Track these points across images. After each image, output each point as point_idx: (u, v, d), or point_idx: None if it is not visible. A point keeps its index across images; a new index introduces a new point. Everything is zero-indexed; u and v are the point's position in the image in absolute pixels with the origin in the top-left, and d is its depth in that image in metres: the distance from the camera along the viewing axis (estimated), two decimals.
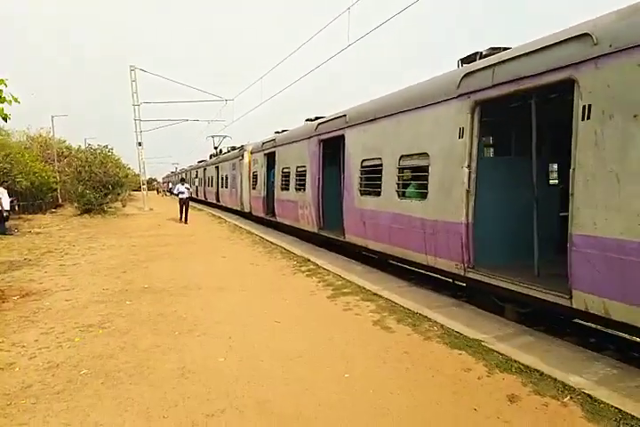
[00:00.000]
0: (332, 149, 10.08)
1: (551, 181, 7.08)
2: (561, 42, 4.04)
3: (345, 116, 8.67)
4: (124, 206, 29.75)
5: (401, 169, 6.77)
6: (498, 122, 5.79)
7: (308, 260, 9.04)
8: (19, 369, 4.04)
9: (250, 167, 17.09)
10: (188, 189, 18.88)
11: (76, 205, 24.32)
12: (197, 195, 33.62)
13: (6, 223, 15.66)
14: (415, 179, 6.64)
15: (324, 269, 8.13)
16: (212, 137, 32.86)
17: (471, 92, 5.27)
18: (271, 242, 11.96)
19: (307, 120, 12.32)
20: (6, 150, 20.68)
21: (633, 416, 2.90)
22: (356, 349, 4.37)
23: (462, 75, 5.45)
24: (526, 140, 6.32)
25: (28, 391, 3.58)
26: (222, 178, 23.14)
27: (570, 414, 3.02)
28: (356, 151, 8.18)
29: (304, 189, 11.04)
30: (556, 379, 3.44)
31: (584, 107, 3.78)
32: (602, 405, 3.08)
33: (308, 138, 10.72)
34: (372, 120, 7.61)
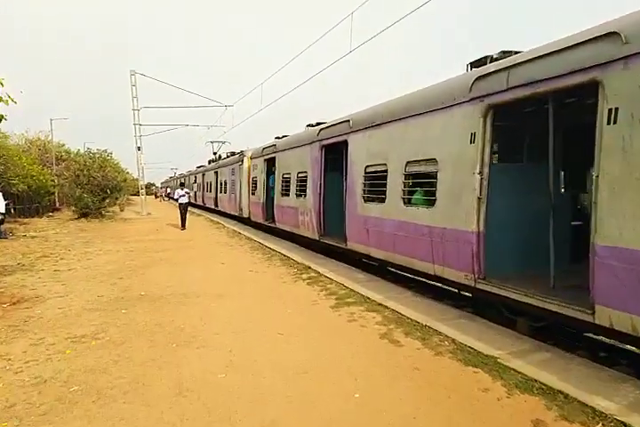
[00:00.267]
0: (334, 155, 9.89)
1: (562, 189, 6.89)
2: (584, 42, 3.85)
3: (348, 121, 8.49)
4: (121, 211, 29.53)
5: (407, 175, 6.56)
6: (509, 127, 5.60)
7: (309, 267, 8.80)
8: (2, 385, 3.78)
9: (249, 173, 16.90)
10: (188, 193, 18.56)
11: (73, 208, 24.09)
12: (196, 200, 33.37)
13: (1, 227, 15.39)
14: (422, 185, 6.43)
15: (326, 277, 7.90)
16: (212, 142, 32.76)
17: (484, 96, 5.09)
18: (270, 248, 11.73)
19: (308, 126, 12.15)
20: (2, 152, 20.42)
21: None
22: (364, 364, 4.13)
23: (474, 78, 5.27)
24: (538, 146, 6.16)
25: (11, 412, 3.32)
26: (221, 183, 22.93)
27: None
28: (360, 157, 7.98)
29: (305, 195, 10.83)
30: (583, 402, 3.20)
31: (610, 110, 3.58)
32: None
33: (310, 143, 10.53)
34: (377, 125, 7.42)
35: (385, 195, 7.05)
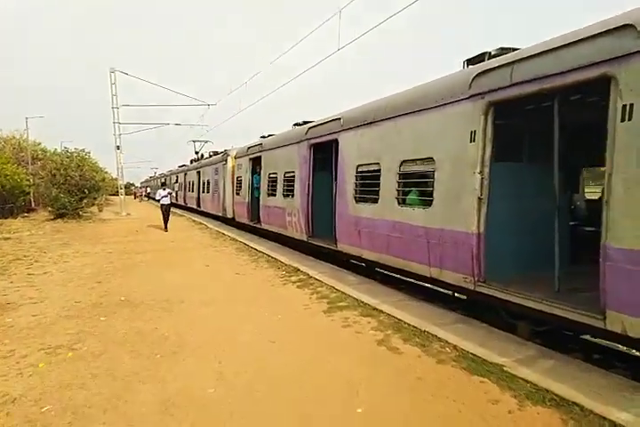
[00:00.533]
0: (324, 154, 9.64)
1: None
2: (597, 35, 3.68)
3: (339, 119, 8.24)
4: (100, 211, 28.70)
5: (402, 175, 6.34)
6: (508, 125, 5.44)
7: (298, 269, 8.52)
8: None
9: (234, 172, 16.52)
10: (170, 193, 17.88)
11: (49, 209, 23.25)
12: (177, 200, 32.71)
13: None
14: (418, 185, 6.22)
15: (316, 279, 7.63)
16: (194, 142, 32.13)
17: (485, 93, 4.89)
18: (256, 249, 11.40)
19: (294, 125, 11.87)
20: None
21: None
22: (364, 374, 3.87)
23: (475, 74, 5.08)
24: (538, 146, 6.01)
25: None
26: (204, 183, 22.45)
27: None
28: (352, 156, 7.74)
29: (292, 195, 10.55)
30: (600, 415, 3.00)
31: (624, 106, 3.41)
32: None
33: (298, 142, 10.25)
34: (369, 123, 7.19)
35: (378, 195, 6.82)
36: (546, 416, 3.09)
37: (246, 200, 14.47)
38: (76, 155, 23.81)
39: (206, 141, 32.16)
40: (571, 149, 5.85)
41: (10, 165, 24.84)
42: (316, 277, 7.76)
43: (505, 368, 3.85)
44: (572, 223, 5.93)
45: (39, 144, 41.69)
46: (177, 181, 34.11)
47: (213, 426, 3.07)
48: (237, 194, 15.68)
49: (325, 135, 8.84)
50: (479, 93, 4.98)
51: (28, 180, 28.83)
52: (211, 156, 22.90)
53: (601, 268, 3.72)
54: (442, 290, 7.09)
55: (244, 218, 15.01)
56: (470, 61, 5.80)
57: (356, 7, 11.11)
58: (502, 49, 5.37)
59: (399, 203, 6.35)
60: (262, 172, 12.93)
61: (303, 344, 4.66)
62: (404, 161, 6.23)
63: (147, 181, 73.75)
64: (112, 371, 4.04)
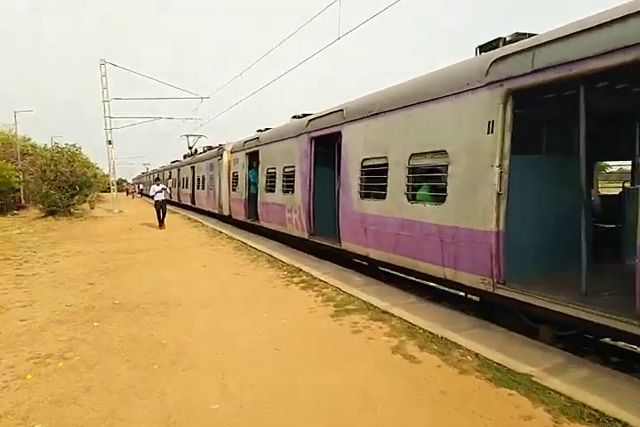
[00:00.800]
0: (326, 148, 9.30)
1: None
2: (630, 15, 3.36)
3: (342, 110, 7.89)
4: (92, 208, 28.20)
5: (411, 169, 6.01)
6: (526, 115, 5.12)
7: (300, 269, 8.19)
8: None
9: (230, 168, 16.10)
10: (165, 189, 17.34)
11: (40, 206, 22.71)
12: (171, 197, 32.20)
13: None
14: (429, 180, 5.90)
15: (320, 280, 7.30)
16: (187, 136, 31.57)
17: (504, 80, 4.57)
18: (255, 248, 11.04)
19: (293, 117, 11.50)
20: None
21: None
22: (381, 387, 3.56)
23: (492, 60, 4.75)
24: (558, 137, 5.71)
25: None
26: (198, 179, 22.00)
27: None
28: (356, 150, 7.41)
29: (292, 191, 10.19)
30: None
31: None
32: None
33: (298, 135, 9.89)
34: (375, 114, 6.85)
35: (385, 191, 6.50)
36: None
37: (243, 197, 14.09)
38: (66, 150, 23.24)
39: (200, 136, 31.61)
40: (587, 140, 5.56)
41: None
42: (320, 277, 7.43)
43: (534, 378, 3.56)
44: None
45: (29, 140, 40.93)
46: (170, 177, 33.55)
47: None
48: (234, 190, 15.29)
49: (327, 128, 8.50)
50: (497, 81, 4.66)
51: (18, 176, 28.21)
52: (205, 151, 22.45)
53: (637, 269, 3.43)
54: (449, 290, 6.85)
55: (241, 215, 14.64)
56: (483, 48, 5.49)
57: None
58: (518, 34, 5.05)
59: (409, 199, 6.04)
60: (260, 167, 12.55)
61: (311, 352, 4.35)
62: (414, 154, 5.91)
63: (139, 177, 72.95)
64: (107, 384, 3.71)
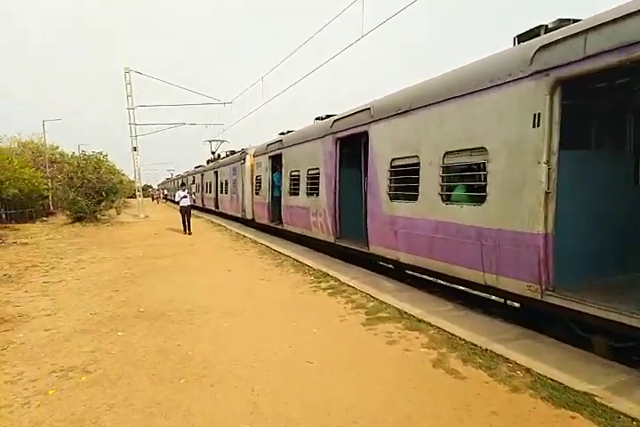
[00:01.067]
0: (351, 149, 9.02)
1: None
2: None
3: (369, 109, 7.59)
4: (118, 214, 28.57)
5: (445, 168, 5.67)
6: (575, 106, 4.72)
7: (327, 274, 7.90)
8: None
9: (252, 171, 15.98)
10: (190, 194, 17.23)
11: (67, 212, 23.10)
12: (195, 201, 32.43)
13: None
14: (466, 179, 5.55)
15: (349, 285, 7.00)
16: (210, 142, 31.75)
17: (551, 69, 4.20)
18: (280, 252, 10.81)
19: (316, 119, 11.26)
20: None
21: None
22: (425, 407, 3.24)
23: (537, 47, 4.37)
24: (607, 130, 5.27)
25: None
26: (221, 183, 22.00)
27: None
28: (385, 149, 7.09)
29: (317, 194, 9.94)
30: None
31: None
32: None
33: (322, 137, 9.63)
34: (405, 112, 6.52)
35: (417, 191, 6.16)
36: None
37: (266, 200, 13.91)
38: (93, 157, 23.61)
39: (222, 141, 31.75)
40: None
41: (28, 168, 24.79)
42: (349, 283, 7.13)
43: (597, 399, 3.18)
44: None
45: (57, 148, 41.96)
46: (194, 182, 33.81)
47: None
48: (257, 194, 15.14)
49: (353, 128, 8.21)
50: (544, 70, 4.29)
51: (46, 183, 28.85)
52: (228, 155, 22.45)
53: None
54: (480, 294, 6.49)
55: (264, 219, 14.47)
56: (522, 37, 5.12)
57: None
58: (561, 21, 4.67)
59: (443, 200, 5.69)
60: (283, 170, 12.34)
61: (345, 365, 4.05)
62: (449, 152, 5.56)
63: (163, 182, 74.08)
64: (131, 401, 3.49)
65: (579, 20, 4.33)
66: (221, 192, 22.25)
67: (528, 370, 3.70)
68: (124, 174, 44.87)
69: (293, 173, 11.55)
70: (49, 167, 33.74)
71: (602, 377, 3.51)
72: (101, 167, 23.48)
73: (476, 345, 4.28)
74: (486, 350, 4.16)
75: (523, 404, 3.22)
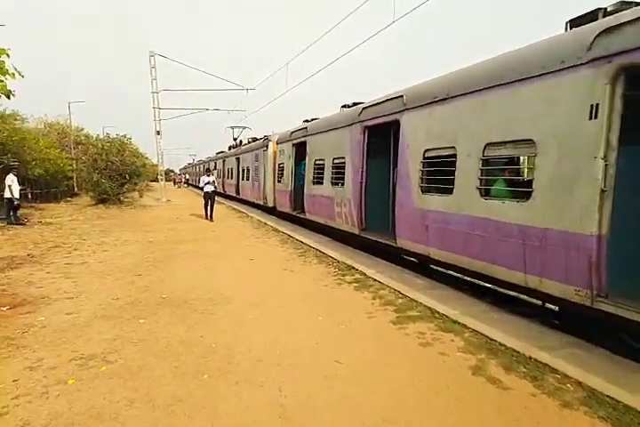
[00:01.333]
0: (379, 138, 8.69)
1: None
2: None
3: (402, 97, 7.22)
4: (140, 197, 28.78)
5: (486, 161, 5.32)
6: (636, 97, 4.30)
7: (352, 267, 7.66)
8: None
9: (275, 159, 15.75)
10: (214, 180, 16.92)
11: (91, 194, 23.34)
12: (216, 187, 32.43)
13: (17, 212, 14.68)
14: (509, 173, 5.20)
15: (375, 280, 6.75)
16: (232, 128, 31.62)
17: (614, 55, 3.81)
18: (302, 242, 10.61)
19: (343, 107, 10.93)
20: (19, 135, 19.64)
21: None
22: (468, 418, 2.99)
23: (598, 32, 3.98)
24: None
25: None
26: (243, 170, 21.85)
27: None
28: (417, 139, 6.75)
29: (342, 184, 9.65)
30: None
31: None
32: None
33: (350, 125, 9.30)
34: (441, 100, 6.16)
35: (453, 184, 5.83)
36: None
37: (289, 188, 13.69)
38: (117, 140, 23.71)
39: (244, 127, 31.59)
40: None
41: (53, 149, 25.05)
42: (374, 277, 6.87)
43: None
44: None
45: (82, 130, 42.41)
46: (215, 168, 33.81)
47: None
48: (279, 182, 14.92)
49: (383, 116, 7.86)
50: (605, 56, 3.90)
51: (71, 164, 29.18)
52: (250, 142, 22.26)
53: None
54: (507, 292, 6.19)
55: (285, 207, 14.26)
56: (576, 22, 4.71)
57: None
58: (623, 3, 4.25)
59: (482, 194, 5.35)
60: (307, 158, 12.07)
61: (377, 367, 3.82)
62: (490, 144, 5.21)
63: (185, 167, 74.57)
64: (152, 396, 3.33)
65: None
66: (243, 179, 22.12)
67: (579, 383, 3.40)
68: (147, 158, 45.13)
69: (318, 162, 11.27)
70: (74, 149, 34.12)
71: None
72: (125, 150, 23.57)
73: (518, 352, 3.99)
74: (530, 357, 3.87)
75: (578, 423, 2.93)
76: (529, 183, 4.66)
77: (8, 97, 7.37)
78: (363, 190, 8.73)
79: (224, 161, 29.51)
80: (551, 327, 4.73)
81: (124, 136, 24.37)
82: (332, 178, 10.26)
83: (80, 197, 28.78)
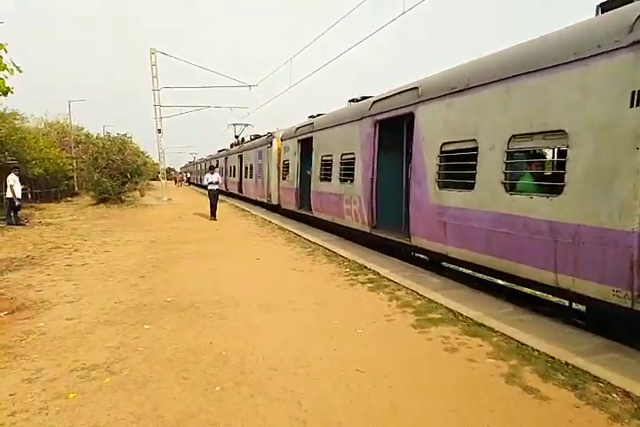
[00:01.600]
0: (391, 132, 8.38)
1: None
2: None
3: (417, 88, 6.91)
4: (142, 196, 28.50)
5: (511, 154, 5.02)
6: None
7: (364, 266, 7.36)
8: None
9: (279, 155, 15.45)
10: (218, 179, 16.37)
11: (92, 193, 23.06)
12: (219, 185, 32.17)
13: (18, 213, 14.40)
14: (538, 166, 4.89)
15: (390, 280, 6.45)
16: (234, 125, 31.41)
17: None
18: (309, 240, 10.31)
19: (350, 101, 10.62)
20: (19, 135, 19.35)
21: None
22: None
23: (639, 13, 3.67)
24: None
25: None
26: (246, 167, 21.56)
27: None
28: (434, 132, 6.44)
29: (351, 180, 9.35)
30: None
31: None
32: None
33: (359, 119, 8.99)
34: (460, 91, 5.85)
35: (473, 179, 5.52)
36: None
37: (294, 186, 13.39)
38: (117, 139, 23.41)
39: (246, 125, 31.35)
40: None
41: (53, 148, 24.76)
42: (389, 276, 6.57)
43: None
44: None
45: (82, 129, 42.11)
46: (217, 166, 33.53)
47: None
48: (284, 179, 14.62)
49: (396, 109, 7.55)
50: None
51: (71, 164, 28.90)
52: (252, 139, 21.96)
53: None
54: (522, 289, 5.93)
55: (291, 205, 13.97)
56: (608, 5, 4.40)
57: None
58: None
59: (507, 189, 5.04)
60: (314, 154, 11.76)
61: (402, 377, 3.52)
62: (516, 136, 4.90)
63: (186, 166, 74.28)
64: (160, 411, 3.03)
65: None
66: (246, 176, 21.83)
67: (627, 393, 3.10)
68: (148, 156, 44.86)
69: (325, 158, 10.96)
70: (74, 148, 33.83)
71: None
72: (126, 149, 23.28)
73: (553, 358, 3.69)
74: (567, 364, 3.58)
75: None
76: (560, 177, 4.35)
77: (5, 94, 7.09)
78: (373, 186, 8.43)
79: (226, 159, 29.23)
80: (576, 328, 4.44)
81: (125, 135, 24.10)
82: (340, 174, 9.96)
83: (80, 197, 28.51)
